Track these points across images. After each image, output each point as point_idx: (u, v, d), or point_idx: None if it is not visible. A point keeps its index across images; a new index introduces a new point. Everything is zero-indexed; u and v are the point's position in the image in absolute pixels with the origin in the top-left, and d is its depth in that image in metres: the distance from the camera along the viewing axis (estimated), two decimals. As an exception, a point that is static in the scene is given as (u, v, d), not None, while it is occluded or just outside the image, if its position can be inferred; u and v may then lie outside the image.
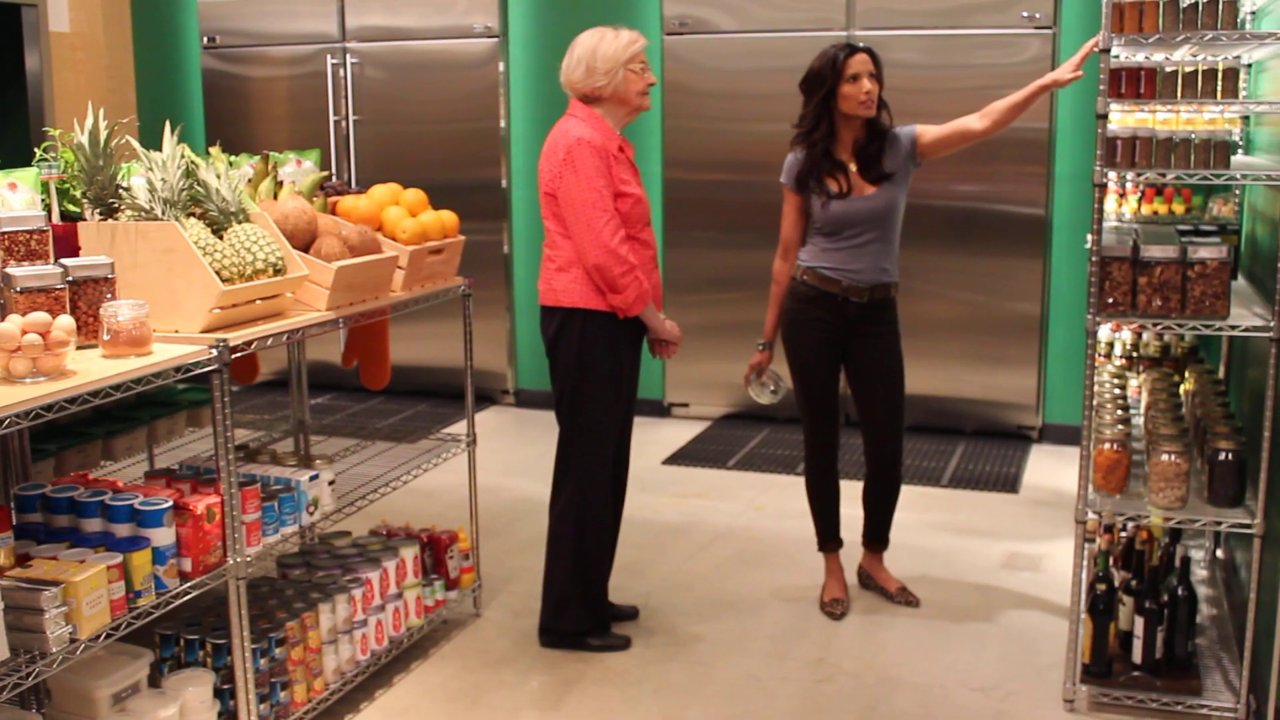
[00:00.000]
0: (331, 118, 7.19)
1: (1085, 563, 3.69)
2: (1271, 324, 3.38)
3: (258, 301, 3.21)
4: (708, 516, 5.31)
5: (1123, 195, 4.99)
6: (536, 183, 3.90)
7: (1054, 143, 6.08)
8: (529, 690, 3.78)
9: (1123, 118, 4.52)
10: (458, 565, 4.17)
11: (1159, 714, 3.60)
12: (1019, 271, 6.19)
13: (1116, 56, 3.62)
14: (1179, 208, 4.85)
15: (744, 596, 4.49)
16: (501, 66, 6.92)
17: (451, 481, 4.04)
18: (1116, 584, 3.78)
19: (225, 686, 3.22)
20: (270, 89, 7.45)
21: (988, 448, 6.26)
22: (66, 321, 2.69)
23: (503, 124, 6.97)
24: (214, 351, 2.97)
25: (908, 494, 5.30)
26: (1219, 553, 4.53)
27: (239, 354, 3.06)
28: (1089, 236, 3.56)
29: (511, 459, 6.13)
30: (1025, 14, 6.01)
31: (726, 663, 3.97)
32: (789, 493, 5.49)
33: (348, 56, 7.14)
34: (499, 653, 4.02)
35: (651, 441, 6.48)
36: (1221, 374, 4.61)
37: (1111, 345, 5.00)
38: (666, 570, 4.73)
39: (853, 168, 4.11)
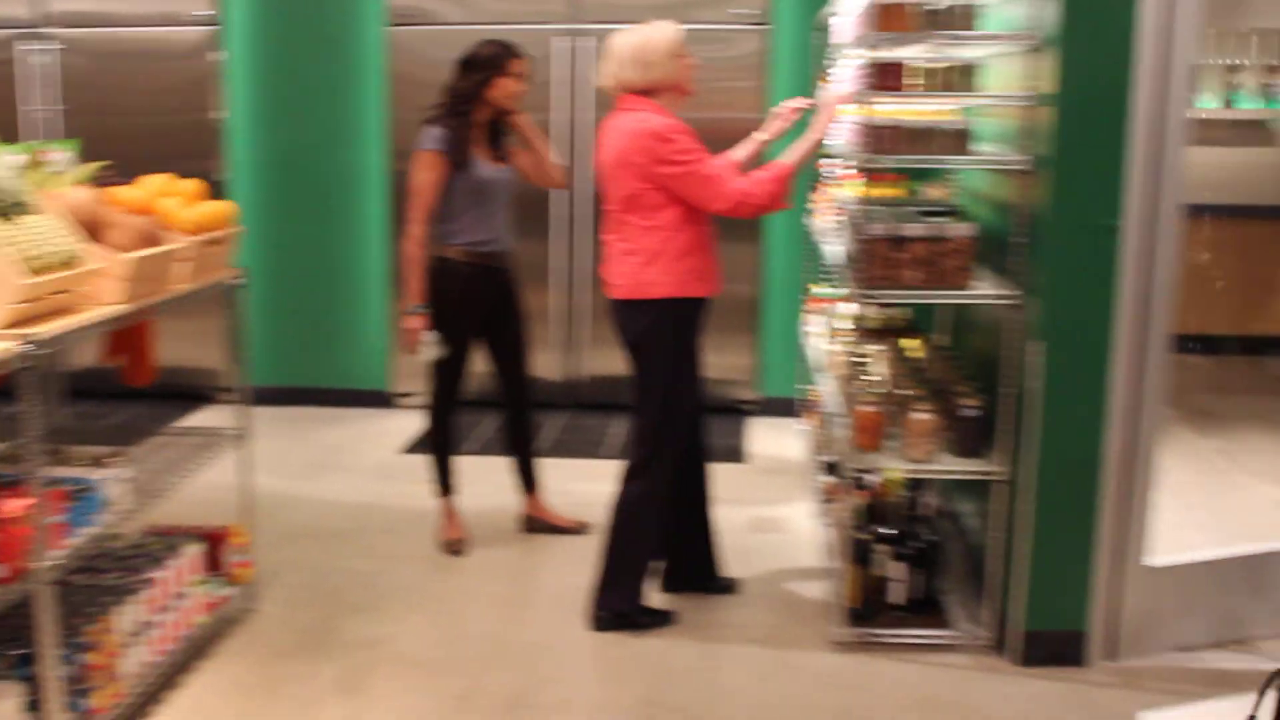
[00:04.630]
0: (20, 107, 6.81)
1: (843, 516, 4.00)
2: (1013, 293, 3.78)
3: (49, 297, 3.10)
4: (460, 500, 5.38)
5: (847, 180, 5.34)
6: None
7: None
8: (326, 678, 3.78)
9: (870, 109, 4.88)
10: (235, 561, 4.10)
11: (920, 648, 3.95)
12: (740, 255, 6.52)
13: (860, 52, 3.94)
14: (898, 191, 5.25)
15: (512, 570, 4.61)
16: (218, 56, 6.73)
17: (205, 479, 3.97)
18: (873, 535, 4.11)
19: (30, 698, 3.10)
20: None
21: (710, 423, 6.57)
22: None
23: (221, 116, 6.77)
24: (31, 346, 2.86)
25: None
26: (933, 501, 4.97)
27: (48, 349, 2.95)
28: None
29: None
30: (740, 10, 6.35)
31: (512, 633, 4.08)
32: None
33: (47, 43, 6.76)
34: (286, 645, 4.00)
35: (382, 431, 6.50)
36: (943, 341, 5.06)
37: (839, 320, 5.35)
38: (431, 552, 4.80)
39: (483, 145, 4.61)
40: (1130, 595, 3.85)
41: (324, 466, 5.93)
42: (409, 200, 4.61)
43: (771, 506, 5.33)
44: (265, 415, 6.65)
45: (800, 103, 4.05)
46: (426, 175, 4.55)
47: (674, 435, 4.08)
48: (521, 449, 5.03)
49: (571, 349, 6.81)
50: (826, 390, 4.81)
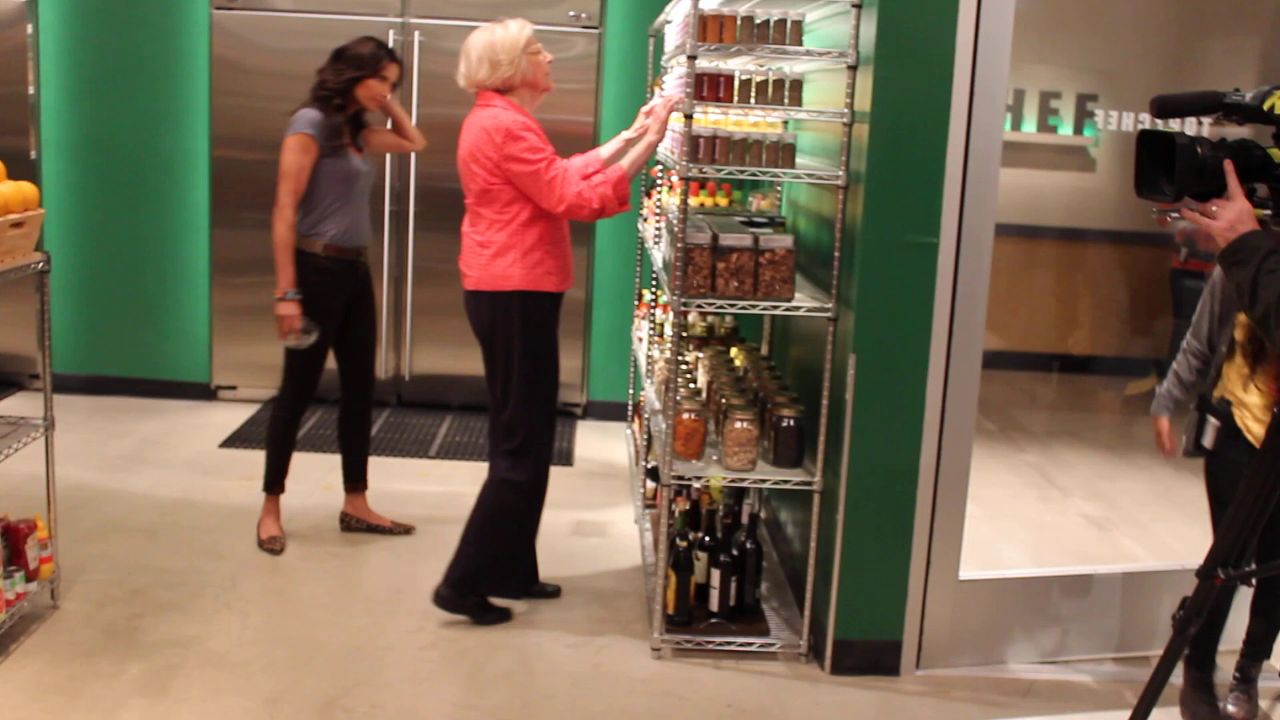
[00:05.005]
0: None
1: (663, 523, 4.02)
2: (830, 306, 3.85)
3: None
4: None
5: (672, 187, 5.40)
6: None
7: (598, 137, 6.45)
8: (130, 678, 3.66)
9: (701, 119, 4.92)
10: (36, 556, 3.95)
11: (736, 655, 4.00)
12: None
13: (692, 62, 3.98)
14: (723, 200, 5.32)
15: (330, 571, 4.54)
16: (30, 29, 6.46)
17: (8, 469, 3.82)
18: (692, 541, 4.14)
19: None
20: None
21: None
22: None
23: (31, 90, 6.51)
24: None
25: (466, 470, 5.56)
26: (761, 511, 5.04)
27: None
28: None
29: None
30: (573, 13, 6.36)
31: (327, 635, 4.01)
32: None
33: None
34: (88, 644, 3.87)
35: (202, 425, 6.34)
36: (765, 350, 5.14)
37: (662, 326, 5.40)
38: (248, 550, 4.69)
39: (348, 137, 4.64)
40: (943, 607, 3.95)
41: (139, 459, 5.75)
42: (279, 183, 4.51)
43: (595, 510, 5.35)
44: (81, 405, 6.47)
45: (664, 103, 4.06)
46: (298, 158, 4.49)
47: (538, 426, 4.09)
48: (356, 446, 4.96)
49: (398, 346, 6.73)
50: (650, 396, 4.85)
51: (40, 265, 3.89)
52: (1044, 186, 8.11)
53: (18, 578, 3.85)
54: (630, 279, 6.47)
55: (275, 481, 4.82)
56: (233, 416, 6.49)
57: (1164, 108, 2.47)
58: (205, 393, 6.80)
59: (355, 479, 4.97)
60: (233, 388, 6.80)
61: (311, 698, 3.61)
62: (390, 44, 6.23)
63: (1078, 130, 8.20)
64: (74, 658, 3.77)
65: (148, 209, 6.71)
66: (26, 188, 3.78)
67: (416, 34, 6.41)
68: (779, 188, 5.09)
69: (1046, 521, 5.47)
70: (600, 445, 6.29)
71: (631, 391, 6.34)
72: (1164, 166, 2.39)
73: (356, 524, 4.95)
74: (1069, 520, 5.50)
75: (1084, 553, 5.14)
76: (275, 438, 4.81)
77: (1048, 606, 4.04)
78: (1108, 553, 5.18)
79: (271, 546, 4.71)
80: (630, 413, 6.37)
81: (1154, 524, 5.48)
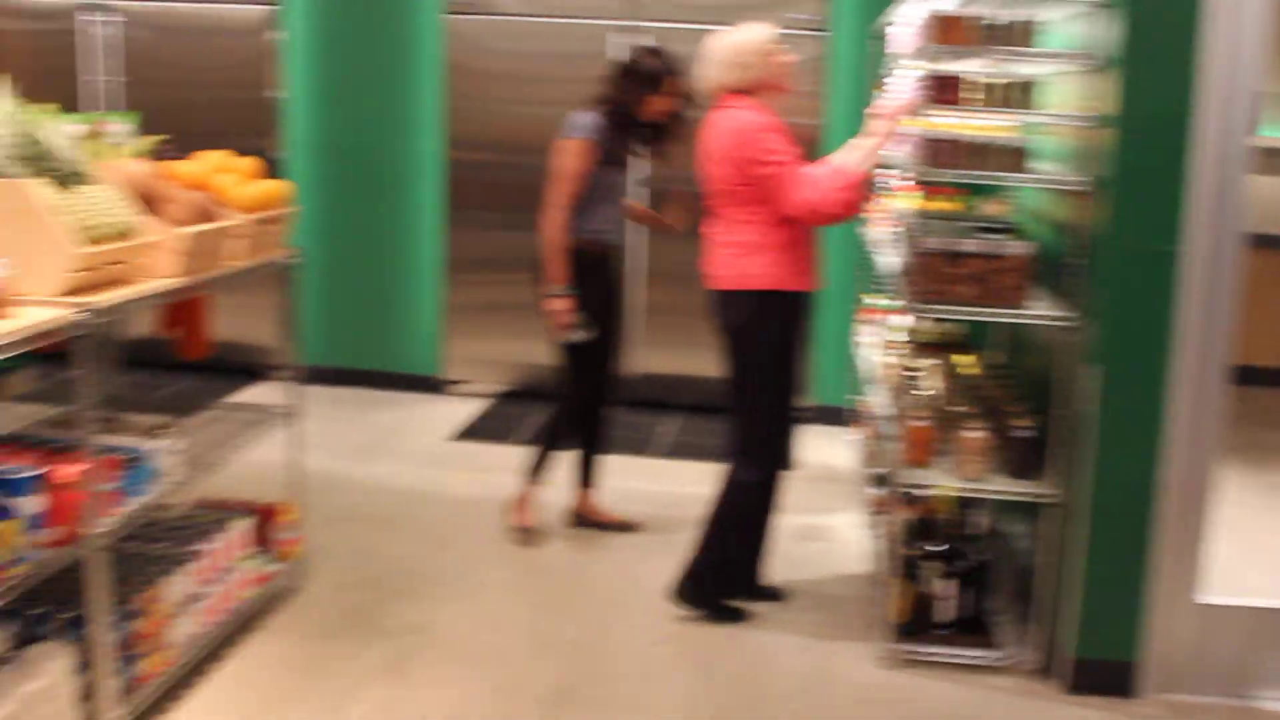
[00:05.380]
0: (80, 78, 6.89)
1: (892, 531, 3.97)
2: (1068, 314, 3.74)
3: (106, 267, 3.13)
4: (506, 491, 5.39)
5: (902, 192, 5.32)
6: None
7: (826, 140, 6.41)
8: (370, 660, 3.80)
9: (929, 122, 4.86)
10: (285, 538, 4.13)
11: (963, 668, 3.92)
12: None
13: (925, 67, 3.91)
14: (954, 206, 5.21)
15: (560, 565, 4.62)
16: (277, 35, 6.77)
17: (255, 456, 3.99)
18: (922, 551, 4.07)
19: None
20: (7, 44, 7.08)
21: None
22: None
23: (278, 95, 6.82)
24: (87, 314, 2.89)
25: (700, 470, 5.57)
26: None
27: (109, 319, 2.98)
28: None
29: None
30: (800, 16, 6.33)
31: (558, 627, 4.08)
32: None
33: (110, 15, 6.84)
34: (331, 625, 4.02)
35: (433, 418, 6.52)
36: (995, 359, 5.02)
37: (890, 332, 5.33)
38: (480, 541, 4.81)
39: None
40: (1183, 630, 3.79)
41: (375, 449, 5.96)
42: (554, 185, 4.59)
43: (819, 515, 5.31)
44: (318, 395, 6.71)
45: (892, 106, 4.01)
46: (576, 162, 4.56)
47: (774, 428, 4.10)
48: (593, 444, 5.01)
49: (630, 345, 6.80)
50: (878, 402, 4.79)
51: (292, 260, 4.06)
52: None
53: (268, 558, 4.03)
54: (850, 283, 6.41)
55: (540, 473, 4.89)
56: (463, 411, 6.66)
57: None
58: (434, 386, 7.01)
59: (586, 478, 5.03)
60: (462, 382, 6.98)
61: (543, 688, 3.69)
62: (613, 48, 6.32)
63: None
64: (317, 637, 3.93)
65: (383, 208, 6.96)
66: (279, 185, 3.94)
67: (643, 39, 6.47)
68: (1011, 193, 4.97)
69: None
70: (823, 449, 6.25)
71: (852, 396, 6.27)
72: None
73: (586, 521, 5.02)
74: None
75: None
76: (552, 431, 4.87)
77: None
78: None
79: (527, 536, 4.82)
80: (852, 418, 6.31)
81: None
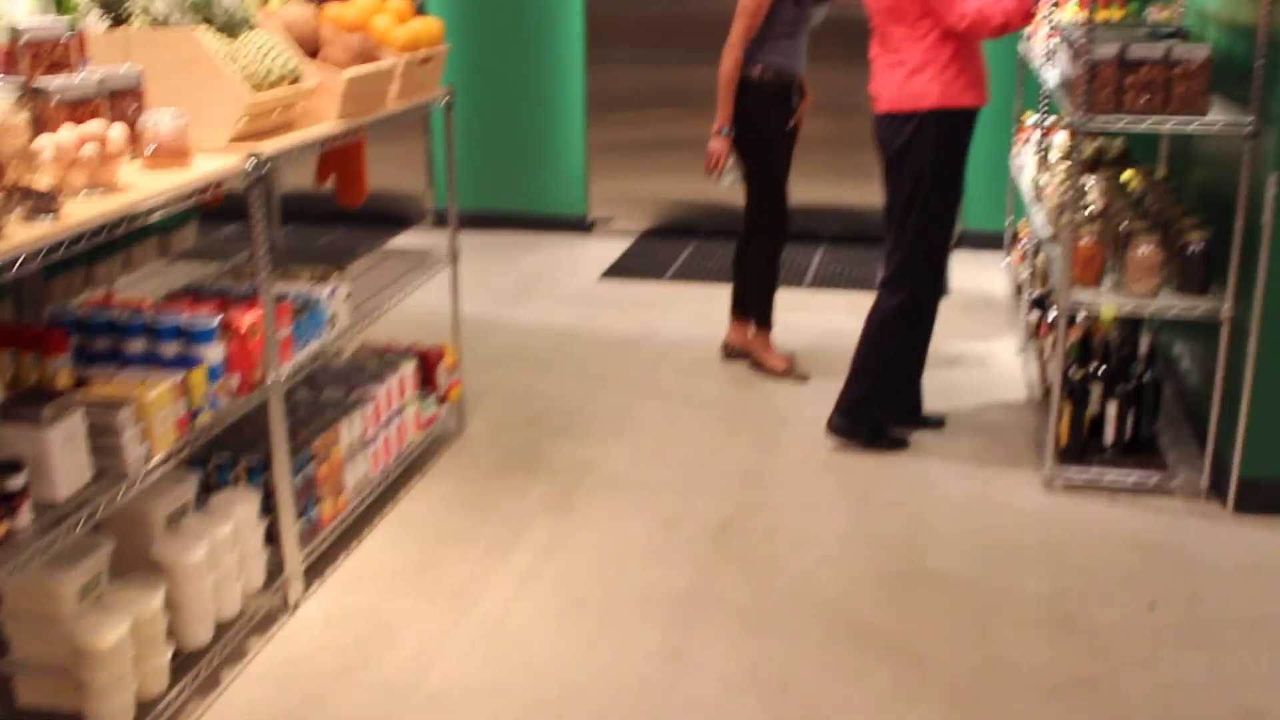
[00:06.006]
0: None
1: (1059, 351, 3.89)
2: (1249, 120, 3.56)
3: (273, 113, 3.15)
4: (658, 327, 5.41)
5: (1056, 4, 5.10)
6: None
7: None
8: (537, 496, 3.87)
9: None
10: (446, 380, 4.20)
11: (1131, 491, 3.86)
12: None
13: None
14: (1118, 13, 4.99)
15: (717, 399, 4.63)
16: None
17: (412, 301, 4.03)
18: (1088, 372, 3.98)
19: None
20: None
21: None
22: (120, 131, 2.61)
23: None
24: (253, 161, 2.92)
25: (853, 300, 5.52)
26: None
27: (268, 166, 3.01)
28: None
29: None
30: None
31: (719, 460, 4.11)
32: (724, 302, 5.59)
33: None
34: (494, 464, 4.10)
35: (581, 258, 6.54)
36: (1163, 173, 4.83)
37: (1049, 150, 5.16)
38: (634, 378, 4.85)
39: None
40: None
41: (526, 291, 6.00)
42: (735, 20, 4.53)
43: (975, 342, 5.23)
44: (467, 239, 6.75)
45: None
46: (754, 3, 4.50)
47: (937, 245, 4.05)
48: (750, 276, 4.96)
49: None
50: (1038, 223, 4.66)
51: (446, 100, 4.05)
52: None
53: (431, 400, 4.11)
54: (1008, 102, 6.19)
55: (766, 318, 4.89)
56: (610, 249, 6.66)
57: None
58: (582, 226, 7.01)
59: (744, 309, 4.99)
60: (609, 219, 6.98)
61: (707, 519, 3.73)
62: None
63: None
64: (483, 476, 4.01)
65: (525, 48, 6.89)
66: (432, 23, 3.90)
67: None
68: (1182, -2, 4.73)
69: None
70: (975, 276, 6.13)
71: (1010, 220, 6.12)
72: None
73: (738, 353, 5.01)
74: None
75: None
76: (761, 273, 4.86)
77: None
78: None
79: (797, 372, 4.82)
80: (1007, 242, 6.16)
81: None
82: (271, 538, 3.21)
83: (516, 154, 7.05)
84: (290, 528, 3.20)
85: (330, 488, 3.46)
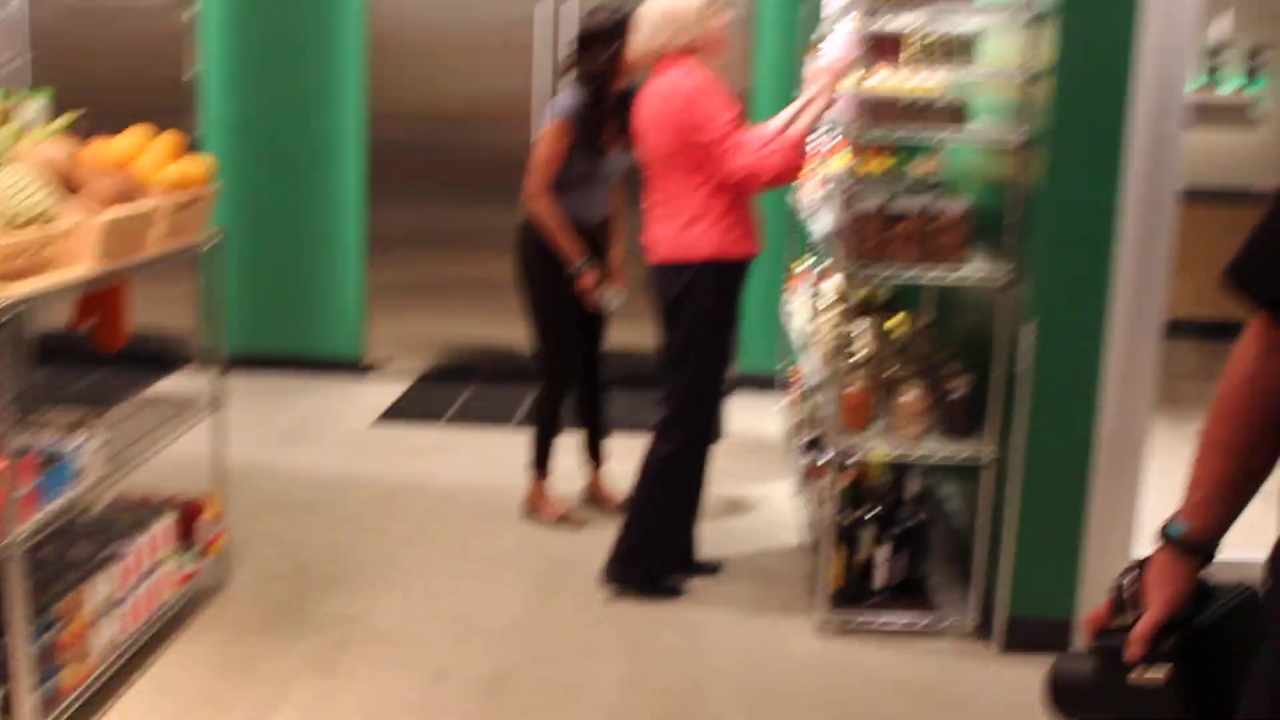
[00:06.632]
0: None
1: (828, 497, 3.93)
2: (1005, 272, 3.71)
3: (20, 256, 2.98)
4: (434, 473, 5.30)
5: (834, 153, 5.25)
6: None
7: (754, 102, 6.34)
8: (300, 654, 3.69)
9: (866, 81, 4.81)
10: (208, 533, 4.00)
11: (902, 633, 3.90)
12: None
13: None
14: (886, 165, 5.17)
15: (491, 548, 4.53)
16: (192, 12, 6.56)
17: (176, 448, 3.84)
18: (857, 517, 4.03)
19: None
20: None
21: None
22: None
23: (194, 73, 6.61)
24: (5, 305, 2.75)
25: (621, 444, 5.51)
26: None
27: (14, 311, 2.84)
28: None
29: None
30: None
31: (491, 611, 4.01)
32: (510, 445, 5.55)
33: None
34: (258, 620, 3.91)
35: (356, 401, 6.40)
36: (927, 319, 5.00)
37: (822, 296, 5.29)
38: (408, 526, 4.71)
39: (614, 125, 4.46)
40: (1117, 583, 3.80)
41: (298, 436, 5.82)
42: (531, 172, 4.48)
43: (750, 486, 5.27)
44: (237, 383, 6.54)
45: (830, 67, 3.96)
46: (552, 147, 4.44)
47: (710, 396, 4.06)
48: (595, 423, 4.92)
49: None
50: (809, 368, 4.75)
51: (215, 242, 3.91)
52: (1206, 146, 7.82)
53: (191, 553, 3.91)
54: (780, 250, 6.36)
55: (542, 464, 4.80)
56: (387, 392, 6.54)
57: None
58: (358, 369, 6.87)
59: (596, 457, 4.95)
60: (387, 361, 6.85)
61: (478, 674, 3.61)
62: (540, 16, 6.24)
63: (1247, 83, 7.88)
64: (245, 634, 3.82)
65: (302, 187, 6.79)
66: (200, 163, 3.76)
67: (570, 5, 6.36)
68: (941, 151, 4.94)
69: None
70: (752, 419, 6.21)
71: (782, 364, 6.24)
72: None
73: (598, 499, 4.95)
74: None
75: (1261, 527, 4.92)
76: (541, 420, 4.78)
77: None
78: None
79: (572, 519, 4.76)
80: (781, 386, 6.28)
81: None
82: (7, 709, 2.96)
83: (291, 294, 6.90)
84: (26, 698, 2.96)
85: (74, 653, 3.22)
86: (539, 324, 4.66)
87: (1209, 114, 7.85)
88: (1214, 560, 1.73)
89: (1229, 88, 8.00)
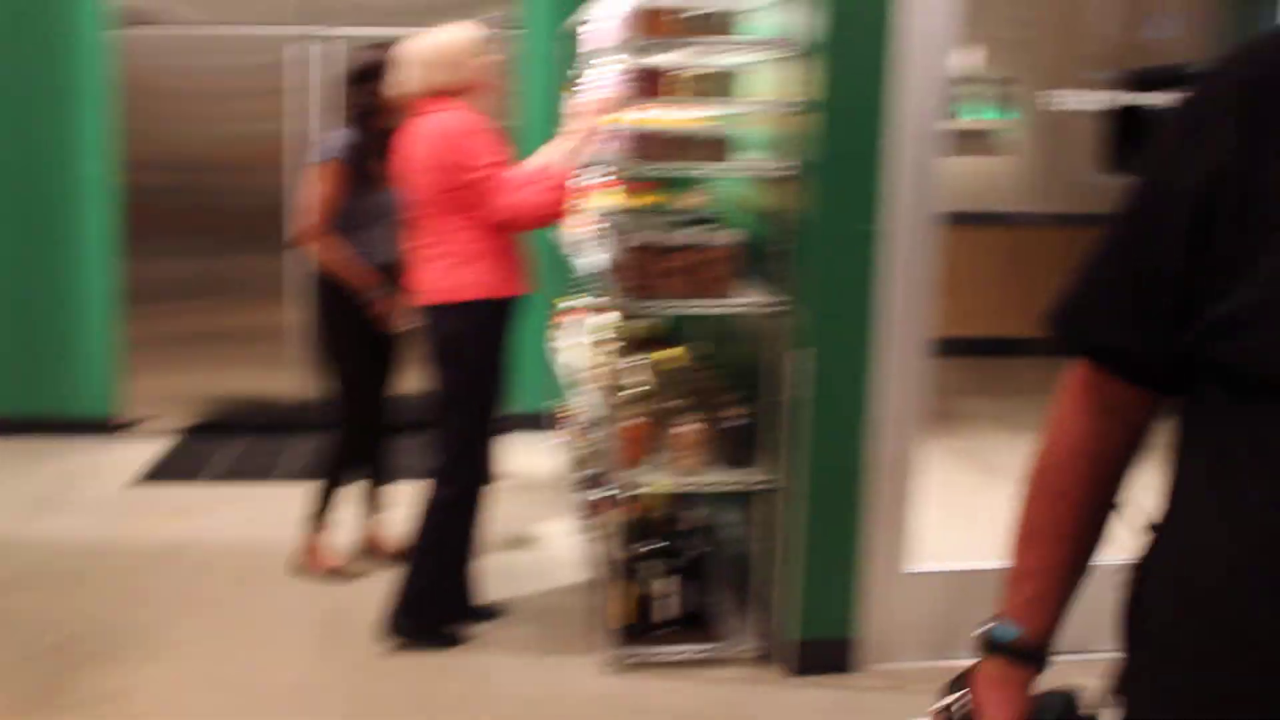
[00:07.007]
0: None
1: (610, 533, 3.91)
2: (777, 301, 3.77)
3: None
4: (200, 534, 5.07)
5: (601, 189, 5.25)
6: None
7: (521, 140, 6.30)
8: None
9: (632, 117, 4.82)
10: (-49, 612, 3.72)
11: (690, 664, 3.90)
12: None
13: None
14: (652, 200, 5.19)
15: (263, 608, 4.35)
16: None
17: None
18: (639, 551, 4.02)
19: None
20: None
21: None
22: None
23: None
24: None
25: (394, 491, 5.41)
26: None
27: None
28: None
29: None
30: (491, 16, 6.22)
31: (266, 675, 3.83)
32: (277, 499, 5.36)
33: None
34: (18, 703, 3.63)
35: (110, 462, 6.07)
36: (702, 350, 5.03)
37: (595, 332, 5.27)
38: (175, 592, 4.48)
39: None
40: (895, 601, 3.89)
41: (47, 503, 5.47)
42: (310, 213, 4.34)
43: (529, 525, 5.21)
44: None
45: (593, 104, 3.95)
46: (328, 187, 4.31)
47: (484, 436, 3.99)
48: (379, 470, 4.80)
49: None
50: (584, 404, 4.73)
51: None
52: (962, 172, 8.19)
53: (-67, 636, 3.62)
54: (544, 287, 6.32)
55: (323, 515, 4.64)
56: (144, 451, 6.23)
57: (1142, 81, 2.41)
58: (108, 428, 6.53)
59: (376, 506, 4.82)
60: (142, 420, 6.54)
61: (259, 742, 3.44)
62: (290, 57, 6.10)
63: (988, 114, 8.29)
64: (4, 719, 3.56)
65: (39, 241, 6.42)
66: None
67: (319, 46, 6.22)
68: (709, 184, 5.00)
69: (984, 505, 5.43)
70: (523, 457, 6.15)
71: (553, 401, 6.21)
72: (1140, 142, 2.33)
73: (376, 551, 4.80)
74: (1007, 504, 5.47)
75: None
76: (332, 470, 4.62)
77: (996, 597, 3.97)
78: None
79: (343, 572, 4.62)
80: (553, 423, 6.24)
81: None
82: None
83: (31, 353, 6.50)
84: None
85: None
86: (341, 373, 4.52)
87: (964, 142, 8.21)
88: (1048, 667, 1.50)
89: (982, 117, 8.39)
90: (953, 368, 7.19)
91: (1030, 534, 1.45)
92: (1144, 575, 1.33)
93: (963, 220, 7.24)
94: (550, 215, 3.80)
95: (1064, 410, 1.42)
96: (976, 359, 7.68)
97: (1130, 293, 1.29)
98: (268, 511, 5.26)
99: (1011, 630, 1.46)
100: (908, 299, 3.69)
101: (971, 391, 7.37)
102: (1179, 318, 1.24)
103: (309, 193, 4.37)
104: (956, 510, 5.18)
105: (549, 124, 6.17)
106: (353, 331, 4.45)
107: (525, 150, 4.21)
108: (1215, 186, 1.19)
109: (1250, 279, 1.15)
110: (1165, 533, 1.29)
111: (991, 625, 1.48)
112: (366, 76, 4.31)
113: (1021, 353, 7.93)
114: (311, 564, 4.63)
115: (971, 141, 8.37)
